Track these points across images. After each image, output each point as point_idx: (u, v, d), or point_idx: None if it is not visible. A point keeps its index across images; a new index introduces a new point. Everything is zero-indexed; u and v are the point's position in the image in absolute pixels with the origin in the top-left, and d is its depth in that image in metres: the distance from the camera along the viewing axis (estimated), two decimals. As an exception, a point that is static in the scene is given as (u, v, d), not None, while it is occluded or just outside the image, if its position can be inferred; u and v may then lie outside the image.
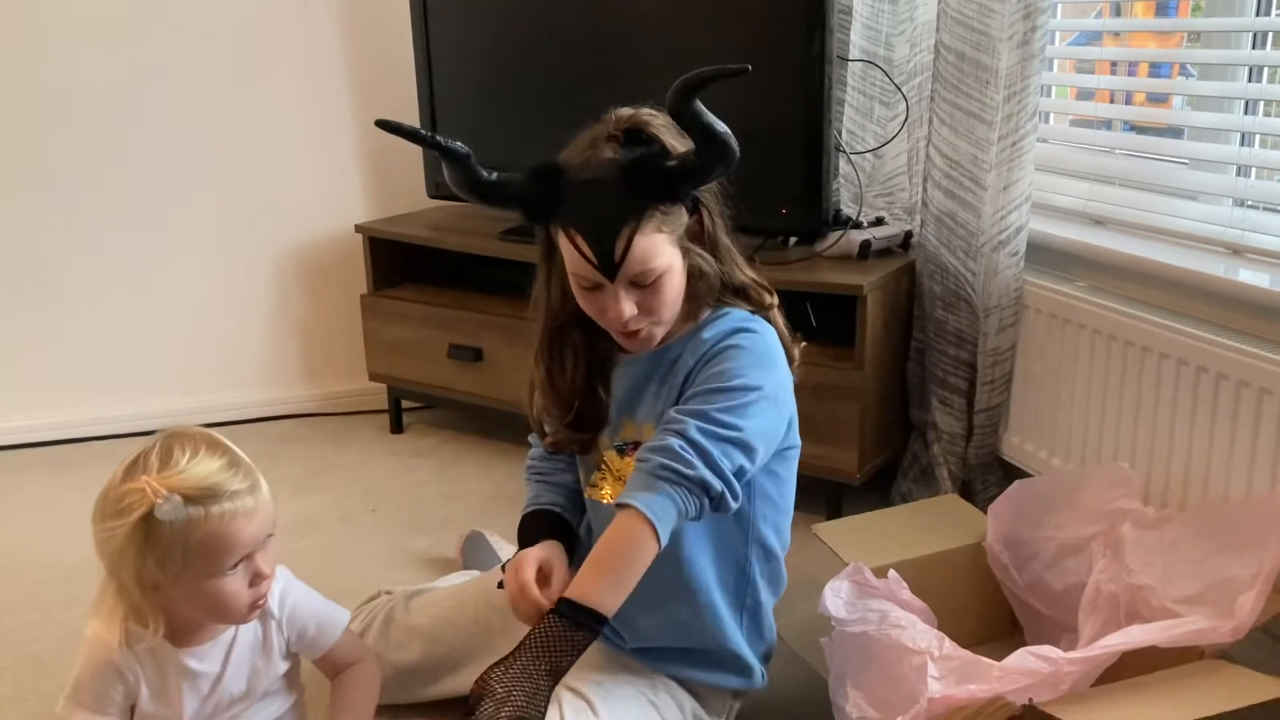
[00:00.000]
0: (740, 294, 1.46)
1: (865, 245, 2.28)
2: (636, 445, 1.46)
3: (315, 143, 2.91)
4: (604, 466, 1.50)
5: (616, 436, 1.49)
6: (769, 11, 2.22)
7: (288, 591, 1.35)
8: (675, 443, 1.28)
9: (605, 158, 1.33)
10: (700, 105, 1.25)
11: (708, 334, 1.41)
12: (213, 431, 1.26)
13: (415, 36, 2.70)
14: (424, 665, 1.64)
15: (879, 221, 2.39)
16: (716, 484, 1.28)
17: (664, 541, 1.26)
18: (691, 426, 1.29)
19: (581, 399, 1.48)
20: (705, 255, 1.40)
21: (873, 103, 2.47)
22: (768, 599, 1.55)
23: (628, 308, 1.35)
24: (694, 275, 1.40)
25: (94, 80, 2.73)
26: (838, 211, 2.38)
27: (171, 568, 1.18)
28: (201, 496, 1.17)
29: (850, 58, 2.41)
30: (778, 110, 2.23)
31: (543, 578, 1.40)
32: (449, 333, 2.68)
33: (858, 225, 2.35)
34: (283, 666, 1.38)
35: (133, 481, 1.17)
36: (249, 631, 1.33)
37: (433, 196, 2.83)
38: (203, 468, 1.18)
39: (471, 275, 2.78)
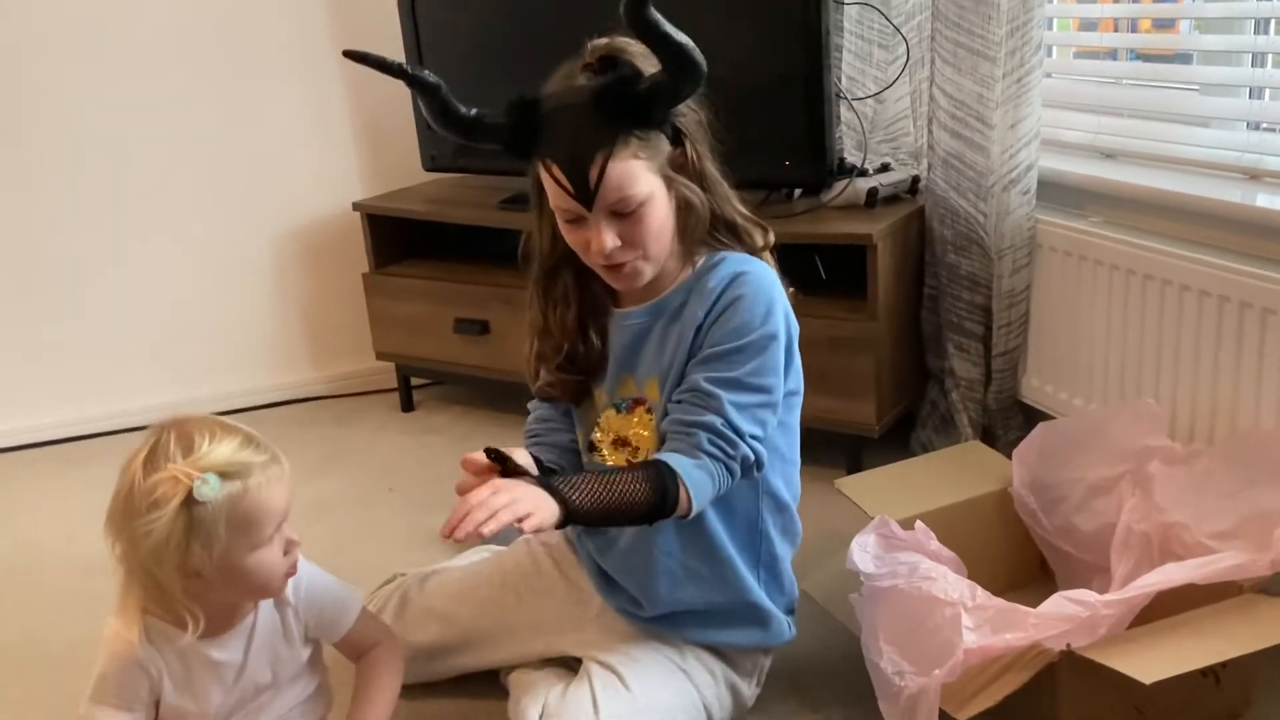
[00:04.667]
0: (732, 231, 1.43)
1: (872, 193, 2.24)
2: (637, 403, 1.45)
3: (307, 122, 2.87)
4: (602, 425, 1.49)
5: (615, 394, 1.47)
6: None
7: (302, 577, 1.33)
8: (717, 421, 1.32)
9: (579, 84, 1.31)
10: (657, 16, 1.21)
11: (713, 281, 1.38)
12: (212, 417, 1.24)
13: (402, 8, 2.65)
14: (440, 645, 1.63)
15: (884, 168, 2.34)
16: (751, 456, 1.34)
17: (695, 512, 1.32)
18: (727, 403, 1.32)
19: (572, 342, 1.47)
20: (691, 186, 1.36)
21: (871, 46, 2.41)
22: (784, 551, 1.53)
23: (609, 239, 1.33)
24: (681, 208, 1.37)
25: (83, 70, 2.69)
26: (842, 160, 2.33)
27: (217, 548, 1.17)
28: (235, 472, 1.17)
29: (846, 0, 2.35)
30: (775, 59, 2.19)
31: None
32: (454, 307, 2.65)
33: (863, 173, 2.30)
34: (305, 652, 1.36)
35: (159, 473, 1.14)
36: (268, 619, 1.31)
37: (428, 169, 2.79)
38: (226, 447, 1.18)
39: (473, 247, 2.74)
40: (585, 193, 1.30)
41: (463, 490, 1.29)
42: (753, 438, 1.34)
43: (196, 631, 1.21)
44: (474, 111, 1.37)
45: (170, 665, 1.26)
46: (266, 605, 1.31)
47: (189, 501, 1.14)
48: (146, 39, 2.71)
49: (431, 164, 2.75)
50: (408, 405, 2.90)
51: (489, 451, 1.32)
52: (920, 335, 2.31)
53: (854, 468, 2.20)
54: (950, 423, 2.24)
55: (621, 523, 1.32)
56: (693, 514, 1.32)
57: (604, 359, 1.49)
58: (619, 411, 1.47)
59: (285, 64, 2.82)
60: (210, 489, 1.14)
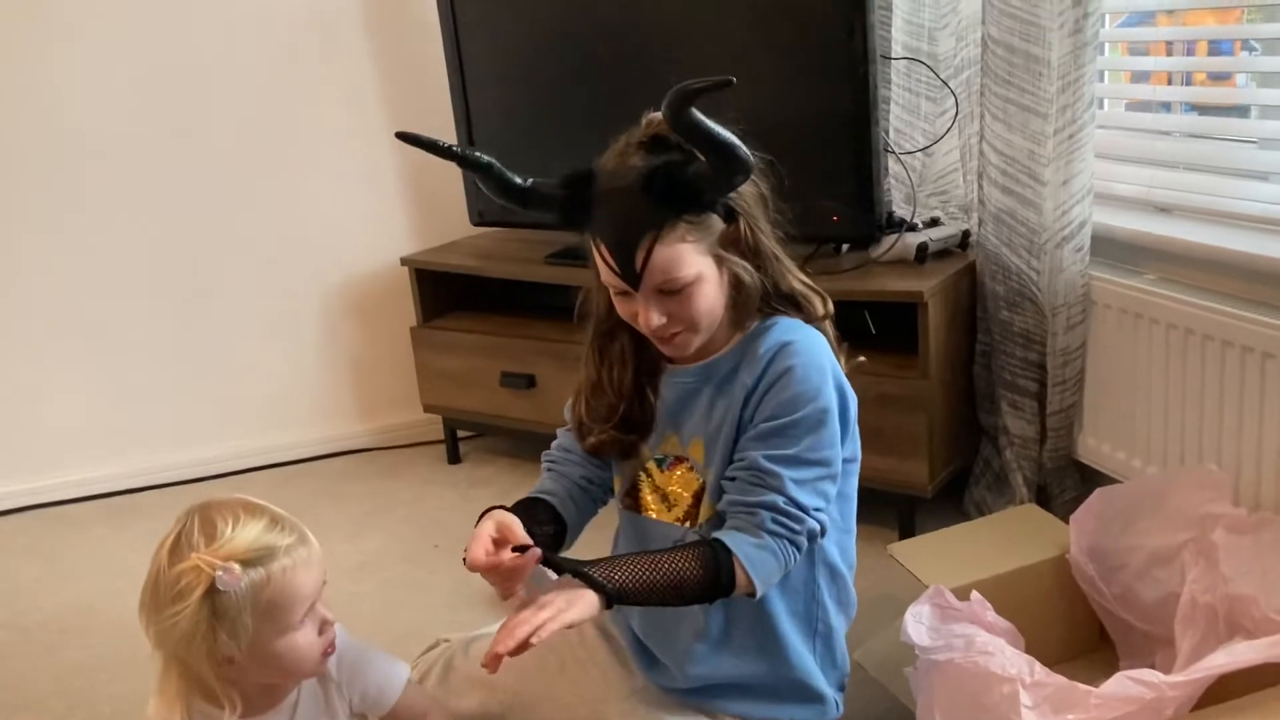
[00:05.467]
0: (790, 301, 1.42)
1: (922, 248, 2.21)
2: (678, 460, 1.44)
3: (356, 177, 2.89)
4: (644, 476, 1.47)
5: (658, 448, 1.46)
6: (809, 11, 2.16)
7: (344, 652, 1.32)
8: (779, 499, 1.30)
9: (630, 165, 1.30)
10: (698, 116, 1.21)
11: (762, 347, 1.37)
12: (243, 495, 1.23)
13: (449, 61, 2.68)
14: (484, 712, 1.60)
15: (934, 222, 2.32)
16: (817, 527, 1.32)
17: (761, 592, 1.30)
18: (788, 480, 1.30)
19: (628, 402, 1.46)
20: (744, 264, 1.35)
21: (919, 99, 2.40)
22: (839, 623, 1.50)
23: (655, 316, 1.33)
24: (733, 284, 1.36)
25: (133, 123, 2.72)
26: (890, 214, 2.31)
27: (244, 637, 1.16)
28: (258, 558, 1.16)
29: (893, 55, 2.34)
30: (823, 113, 2.18)
31: (501, 543, 1.32)
32: (501, 360, 2.65)
33: (913, 227, 2.28)
34: (350, 728, 1.35)
35: (182, 563, 1.14)
36: (311, 697, 1.30)
37: (476, 223, 2.80)
38: (249, 531, 1.17)
39: (520, 301, 2.75)
40: (631, 274, 1.30)
41: (475, 567, 1.29)
42: (816, 510, 1.33)
43: (235, 714, 1.20)
44: (529, 182, 1.37)
45: (212, 747, 1.25)
46: (309, 683, 1.30)
47: (212, 591, 1.13)
48: (200, 90, 2.74)
49: (479, 219, 2.77)
50: (454, 457, 2.90)
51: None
52: (973, 392, 2.28)
53: (907, 529, 2.17)
54: (1004, 481, 2.20)
55: (673, 602, 1.29)
56: (759, 594, 1.30)
57: (655, 418, 1.47)
58: (660, 467, 1.46)
59: (336, 119, 2.85)
60: (231, 579, 1.13)
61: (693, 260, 1.31)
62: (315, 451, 3.00)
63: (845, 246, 2.35)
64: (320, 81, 2.82)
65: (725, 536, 1.30)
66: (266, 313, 2.92)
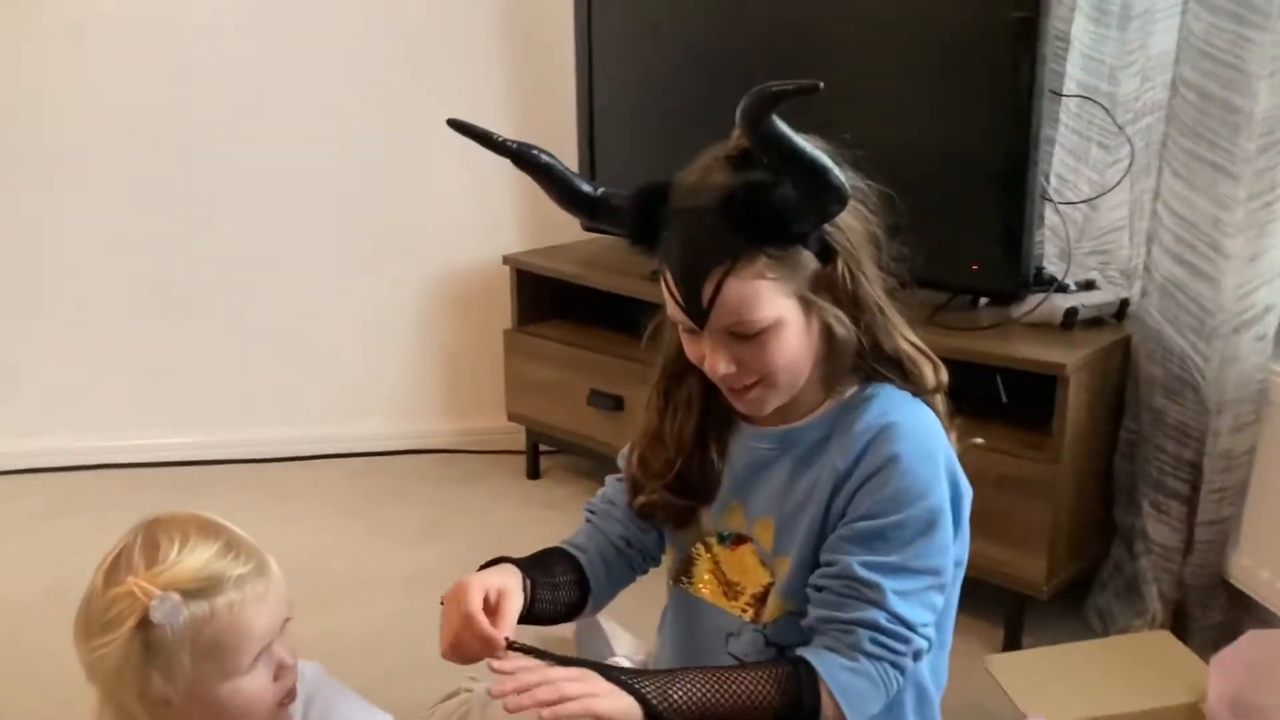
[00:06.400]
0: (894, 365, 1.18)
1: (1071, 313, 1.95)
2: (740, 540, 1.23)
3: (470, 168, 2.75)
4: (702, 551, 1.27)
5: (720, 520, 1.25)
6: (972, 37, 1.94)
7: (314, 696, 1.15)
8: (880, 616, 1.09)
9: (711, 182, 1.10)
10: (781, 129, 1.00)
11: (859, 423, 1.14)
12: (202, 513, 1.07)
13: (578, 58, 2.53)
14: None
15: (1089, 285, 2.05)
16: (926, 646, 1.12)
17: None
18: (890, 593, 1.09)
19: (687, 457, 1.25)
20: (838, 313, 1.13)
21: (1089, 144, 2.12)
22: None
23: (723, 363, 1.12)
24: (824, 336, 1.14)
25: (250, 102, 2.67)
26: (1040, 270, 2.04)
27: (180, 679, 1.00)
28: (202, 589, 0.99)
29: (1065, 92, 2.07)
30: (976, 147, 1.95)
31: (488, 609, 1.14)
32: (590, 377, 2.48)
33: (1063, 288, 2.01)
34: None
35: (117, 586, 0.98)
36: (272, 746, 1.12)
37: (587, 229, 2.63)
38: (196, 556, 1.00)
39: (618, 316, 2.56)
40: (697, 310, 1.10)
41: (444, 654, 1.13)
42: (923, 626, 1.11)
43: None
44: (599, 191, 1.20)
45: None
46: (271, 733, 1.12)
47: (145, 624, 0.97)
48: (316, 73, 2.69)
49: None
50: (534, 472, 2.74)
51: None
52: (1111, 485, 2.00)
53: (1013, 632, 1.90)
54: (1136, 592, 1.91)
55: None
56: None
57: (719, 483, 1.26)
58: (724, 543, 1.25)
59: (452, 108, 2.73)
60: (166, 611, 0.96)
61: (772, 301, 1.09)
62: (394, 446, 2.87)
63: (984, 301, 2.10)
64: (441, 67, 2.72)
65: (812, 656, 1.09)
66: (364, 299, 2.83)
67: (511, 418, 2.72)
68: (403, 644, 1.24)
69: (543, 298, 2.67)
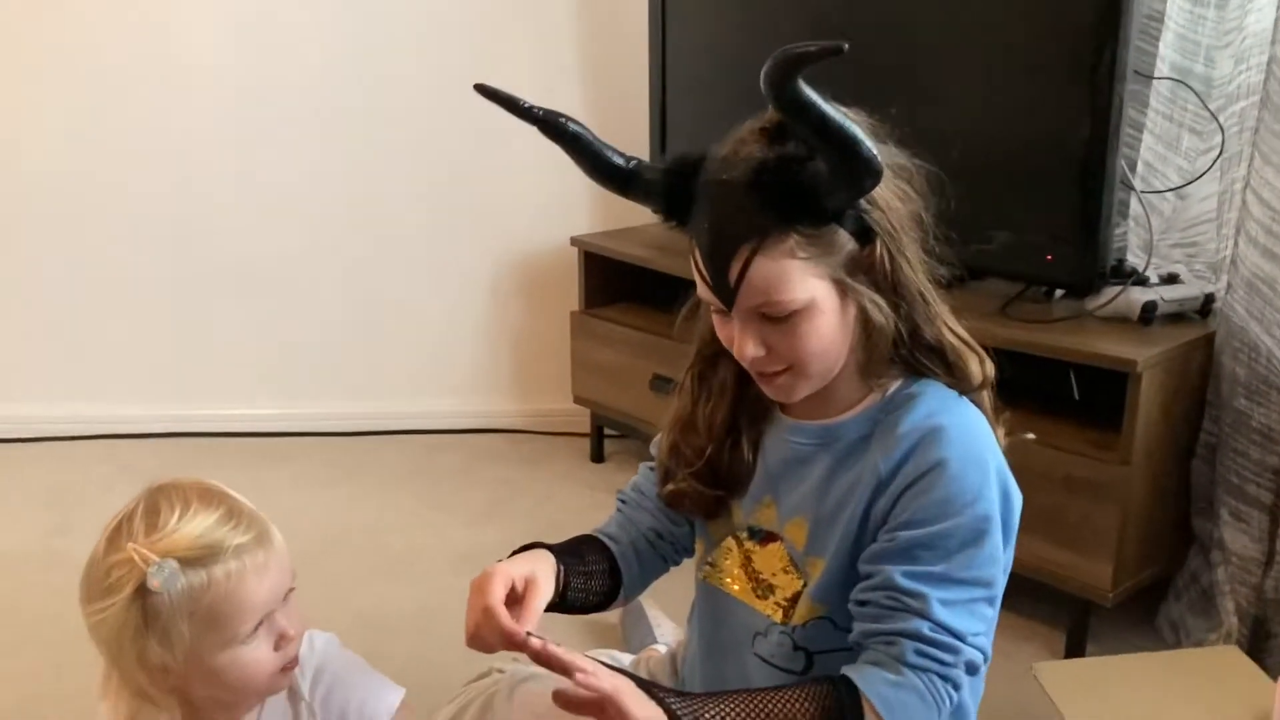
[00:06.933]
0: (937, 356, 1.12)
1: (1149, 307, 1.84)
2: (769, 537, 1.18)
3: (543, 148, 2.74)
4: (732, 544, 1.22)
5: (752, 514, 1.20)
6: (1053, 16, 1.85)
7: (324, 667, 1.14)
8: (923, 626, 1.03)
9: (744, 155, 1.05)
10: (809, 95, 0.94)
11: (903, 424, 1.08)
12: (206, 480, 1.06)
13: (652, 41, 2.49)
14: None
15: (1172, 278, 1.92)
16: (980, 658, 1.06)
17: None
18: (934, 601, 1.03)
19: (717, 445, 1.21)
20: (876, 298, 1.07)
21: (1181, 130, 2.00)
22: None
23: (750, 346, 1.07)
24: (861, 322, 1.08)
25: (333, 79, 2.70)
26: (1120, 262, 1.93)
27: (179, 646, 1.00)
28: (200, 557, 0.99)
29: (1155, 74, 1.96)
30: (1054, 130, 1.85)
31: (514, 598, 1.11)
32: (654, 361, 2.44)
33: (1143, 281, 1.89)
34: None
35: (118, 552, 0.98)
36: (277, 715, 1.13)
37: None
38: (197, 523, 1.00)
39: (684, 302, 2.52)
40: (724, 289, 1.05)
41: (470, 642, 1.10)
42: (974, 635, 1.05)
43: None
44: (633, 163, 1.15)
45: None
46: (277, 698, 1.13)
47: (143, 590, 0.97)
48: (392, 57, 2.70)
49: (660, 205, 2.57)
50: (598, 456, 2.72)
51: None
52: (1187, 490, 1.88)
53: (1076, 638, 1.81)
54: (1211, 603, 1.80)
55: None
56: None
57: (751, 475, 1.21)
58: (753, 538, 1.20)
59: (524, 90, 2.72)
60: (165, 578, 0.96)
61: (803, 282, 1.04)
62: (459, 424, 2.89)
63: (1059, 292, 2.00)
64: (518, 47, 2.70)
65: (854, 672, 1.04)
66: (435, 276, 2.85)
67: (577, 400, 2.70)
68: (452, 620, 1.23)
69: (610, 281, 2.64)
